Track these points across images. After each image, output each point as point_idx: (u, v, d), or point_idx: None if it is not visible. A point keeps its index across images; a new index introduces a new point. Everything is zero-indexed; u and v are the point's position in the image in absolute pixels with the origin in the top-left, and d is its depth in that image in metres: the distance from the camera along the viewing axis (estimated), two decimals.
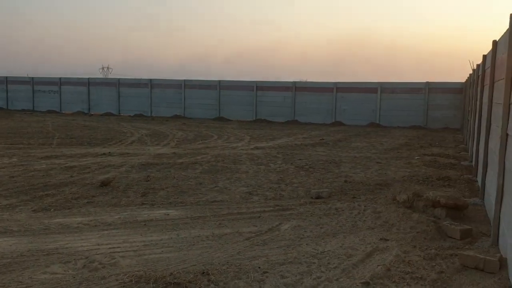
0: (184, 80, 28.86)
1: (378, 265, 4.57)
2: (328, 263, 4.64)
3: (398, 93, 24.94)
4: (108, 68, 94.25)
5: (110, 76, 69.97)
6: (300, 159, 12.06)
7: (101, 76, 72.79)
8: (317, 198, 7.61)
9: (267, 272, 4.37)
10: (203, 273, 4.30)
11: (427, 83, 24.46)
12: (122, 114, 29.17)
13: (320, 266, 4.55)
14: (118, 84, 30.03)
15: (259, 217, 6.47)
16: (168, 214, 6.53)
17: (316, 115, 26.01)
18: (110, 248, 5.08)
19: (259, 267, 4.48)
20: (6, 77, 32.46)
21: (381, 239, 5.43)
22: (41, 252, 4.93)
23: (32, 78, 32.24)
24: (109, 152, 12.55)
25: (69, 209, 6.79)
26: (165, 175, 9.56)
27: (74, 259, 4.70)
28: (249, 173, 10.01)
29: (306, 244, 5.25)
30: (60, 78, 31.30)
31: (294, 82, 27.16)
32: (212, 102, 28.24)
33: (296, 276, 4.29)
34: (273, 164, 11.31)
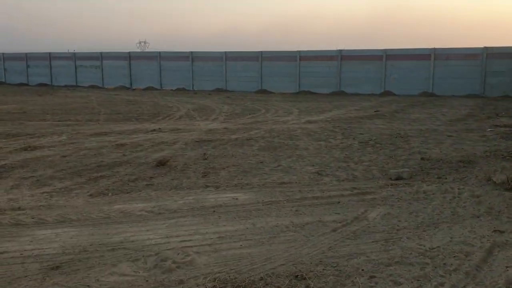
0: (225, 52, 28.02)
1: (507, 267, 3.75)
2: (444, 263, 3.86)
3: (453, 59, 23.27)
4: (145, 42, 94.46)
5: (147, 50, 69.98)
6: (361, 134, 11.16)
7: (138, 50, 72.89)
8: (397, 179, 6.77)
9: (374, 276, 3.64)
10: (297, 276, 3.62)
11: (485, 48, 22.69)
12: (164, 88, 28.77)
13: (436, 268, 3.78)
14: (159, 57, 29.53)
15: (339, 202, 5.72)
16: (237, 199, 5.87)
17: (364, 85, 24.69)
18: (181, 241, 4.46)
19: (362, 269, 3.76)
20: (49, 53, 32.52)
21: (494, 230, 4.59)
22: (105, 246, 4.37)
23: (74, 53, 32.17)
24: (159, 128, 12.03)
25: (128, 193, 6.24)
26: (222, 152, 8.92)
27: (143, 256, 4.11)
28: (310, 150, 9.24)
29: (407, 238, 4.47)
30: (101, 53, 31.07)
31: (340, 51, 25.81)
32: (254, 74, 27.36)
33: (412, 282, 3.54)
34: (333, 139, 10.48)
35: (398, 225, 4.85)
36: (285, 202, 5.76)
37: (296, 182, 6.74)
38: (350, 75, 25.15)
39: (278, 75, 26.79)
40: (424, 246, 4.25)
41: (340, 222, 4.98)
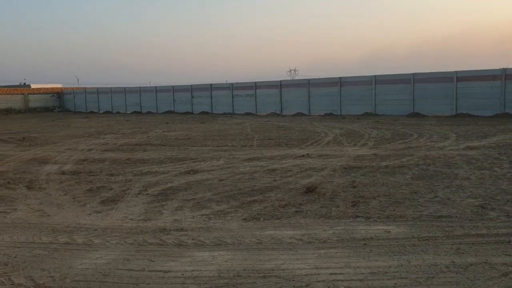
0: (375, 76, 27.45)
1: None
2: None
3: None
4: (295, 70, 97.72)
5: (296, 78, 72.10)
6: None
7: (288, 78, 75.55)
8: None
9: None
10: None
11: None
12: (312, 114, 29.23)
13: None
14: (308, 84, 30.21)
15: (509, 242, 5.06)
16: (389, 232, 5.58)
17: None
18: (331, 274, 4.37)
19: None
20: (211, 85, 35.67)
21: None
22: (257, 273, 4.49)
23: (232, 84, 34.74)
24: (307, 154, 12.18)
25: (278, 219, 6.38)
26: (372, 180, 8.63)
27: (294, 287, 4.12)
28: (472, 180, 8.41)
29: None
30: (255, 83, 33.01)
31: (504, 69, 23.34)
32: (405, 97, 26.24)
33: None
34: (498, 168, 9.41)
35: None
36: (444, 238, 5.29)
37: (456, 216, 6.16)
38: None
39: (432, 97, 25.30)
40: None
41: (511, 266, 4.38)
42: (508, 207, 6.48)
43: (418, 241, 5.22)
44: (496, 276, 4.18)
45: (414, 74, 25.97)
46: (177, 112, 37.25)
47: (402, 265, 4.54)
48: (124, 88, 43.40)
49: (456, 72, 24.62)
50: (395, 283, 4.11)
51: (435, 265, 4.49)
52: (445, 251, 4.87)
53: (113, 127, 24.12)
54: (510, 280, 4.08)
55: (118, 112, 42.37)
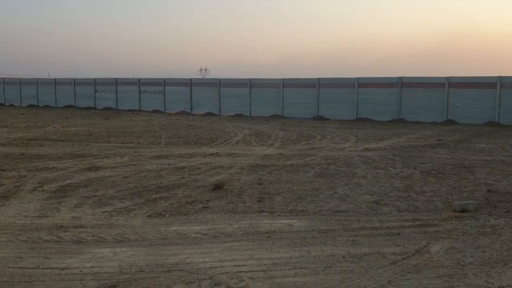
0: (283, 79, 28.25)
1: None
2: None
3: None
4: (206, 69, 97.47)
5: (207, 77, 71.96)
6: (422, 163, 10.76)
7: (199, 77, 75.09)
8: (461, 211, 6.41)
9: None
10: None
11: None
12: (222, 114, 29.35)
13: None
14: (219, 84, 30.27)
15: (399, 234, 5.49)
16: (291, 225, 5.78)
17: (425, 113, 23.91)
18: (235, 266, 4.43)
19: None
20: (116, 79, 34.27)
21: None
22: (160, 267, 4.41)
23: (139, 79, 33.67)
24: (217, 152, 12.22)
25: (185, 215, 6.33)
26: (277, 178, 8.89)
27: (198, 279, 4.11)
28: (368, 178, 9.00)
29: (473, 275, 4.19)
30: (164, 79, 32.33)
31: (400, 78, 25.24)
32: (311, 101, 27.30)
33: None
34: (392, 168, 10.17)
35: (463, 261, 4.56)
36: (341, 231, 5.60)
37: (353, 211, 6.56)
38: (410, 102, 24.49)
39: (335, 102, 26.59)
40: (493, 284, 3.96)
41: (400, 255, 4.76)
42: (399, 203, 7.03)
43: (318, 233, 5.47)
44: (387, 264, 4.51)
45: (319, 79, 27.14)
46: (79, 107, 35.24)
47: (302, 256, 4.72)
48: (19, 79, 40.21)
49: (358, 78, 26.14)
50: (296, 273, 4.27)
51: (332, 256, 4.74)
52: (342, 243, 5.16)
53: (6, 121, 22.24)
54: (398, 267, 4.42)
55: (11, 105, 39.11)
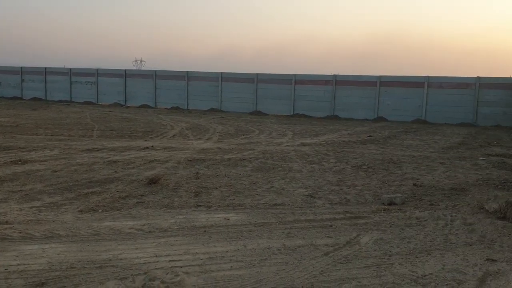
0: (221, 73, 28.19)
1: None
2: None
3: (446, 88, 23.56)
4: (141, 60, 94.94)
5: (143, 69, 70.14)
6: (354, 158, 11.18)
7: (134, 68, 73.08)
8: (389, 204, 6.76)
9: None
10: None
11: (478, 78, 22.99)
12: (158, 107, 28.79)
13: None
14: (155, 76, 29.64)
15: (331, 226, 5.69)
16: (228, 219, 5.81)
17: (358, 110, 24.87)
18: (170, 261, 4.39)
19: None
20: (45, 68, 32.54)
21: (487, 259, 4.56)
22: (93, 263, 4.28)
23: (70, 69, 32.19)
24: (152, 146, 11.98)
25: (118, 210, 6.16)
26: (215, 172, 8.88)
27: (132, 275, 4.03)
28: (303, 172, 9.23)
29: (399, 264, 4.43)
30: (97, 70, 31.15)
31: (335, 76, 26.04)
32: (249, 95, 27.48)
33: None
34: (326, 162, 10.49)
35: (390, 251, 4.81)
36: (277, 224, 5.71)
37: (288, 204, 6.70)
38: (344, 100, 25.34)
39: (273, 98, 26.94)
40: (417, 273, 4.21)
41: (332, 246, 4.93)
42: (332, 196, 7.27)
43: (254, 227, 5.54)
44: (319, 255, 4.66)
45: (257, 75, 27.35)
46: (3, 97, 33.13)
47: (238, 249, 4.77)
48: None
49: (295, 75, 26.63)
50: (231, 266, 4.31)
51: (268, 248, 4.82)
52: (277, 235, 5.26)
53: None
54: (330, 258, 4.58)
55: None
